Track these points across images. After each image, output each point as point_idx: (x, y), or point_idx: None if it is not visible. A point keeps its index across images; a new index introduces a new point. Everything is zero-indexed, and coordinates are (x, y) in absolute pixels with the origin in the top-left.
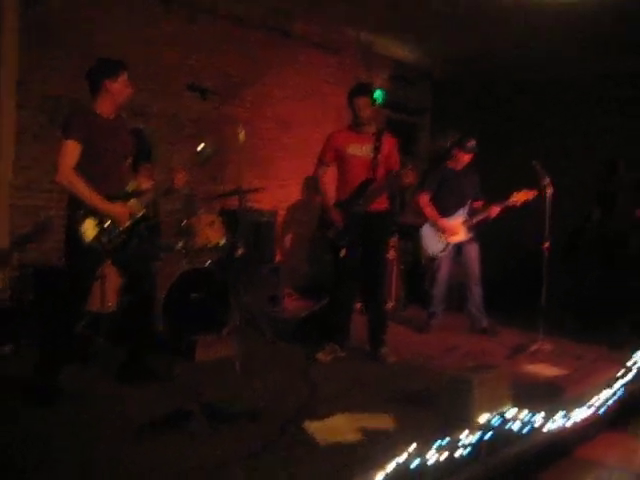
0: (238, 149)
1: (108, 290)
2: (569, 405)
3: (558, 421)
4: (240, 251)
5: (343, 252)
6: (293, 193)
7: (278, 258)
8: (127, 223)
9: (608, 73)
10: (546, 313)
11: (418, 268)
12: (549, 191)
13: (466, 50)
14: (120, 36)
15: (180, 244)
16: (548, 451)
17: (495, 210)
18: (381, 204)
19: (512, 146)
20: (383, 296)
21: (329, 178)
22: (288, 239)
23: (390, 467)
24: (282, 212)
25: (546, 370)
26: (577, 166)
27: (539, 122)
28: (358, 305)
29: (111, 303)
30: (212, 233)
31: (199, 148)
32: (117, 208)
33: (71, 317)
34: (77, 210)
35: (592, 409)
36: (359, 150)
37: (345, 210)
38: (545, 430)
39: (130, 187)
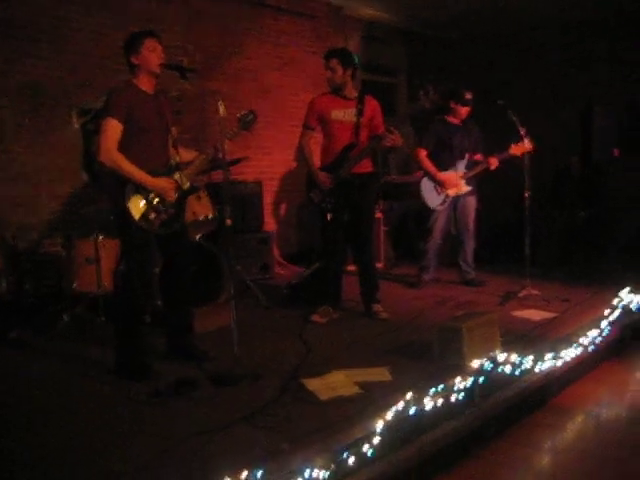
0: (219, 122)
1: (103, 271)
2: (558, 346)
3: (548, 362)
4: (229, 222)
5: (329, 216)
6: (277, 161)
7: (267, 227)
8: (174, 197)
9: (584, 20)
10: (533, 260)
11: (405, 226)
12: (526, 141)
13: (440, 5)
14: (93, 19)
15: None
16: (540, 392)
17: (494, 162)
18: (365, 167)
19: (490, 99)
20: (373, 256)
21: (313, 143)
22: (276, 208)
23: (389, 415)
24: (267, 181)
25: (535, 314)
26: (554, 113)
27: (515, 74)
28: (352, 267)
29: (107, 283)
30: (200, 207)
31: (240, 114)
32: (163, 183)
33: (139, 287)
34: (123, 189)
35: (580, 348)
36: (342, 115)
37: (330, 174)
38: (536, 371)
39: (174, 161)
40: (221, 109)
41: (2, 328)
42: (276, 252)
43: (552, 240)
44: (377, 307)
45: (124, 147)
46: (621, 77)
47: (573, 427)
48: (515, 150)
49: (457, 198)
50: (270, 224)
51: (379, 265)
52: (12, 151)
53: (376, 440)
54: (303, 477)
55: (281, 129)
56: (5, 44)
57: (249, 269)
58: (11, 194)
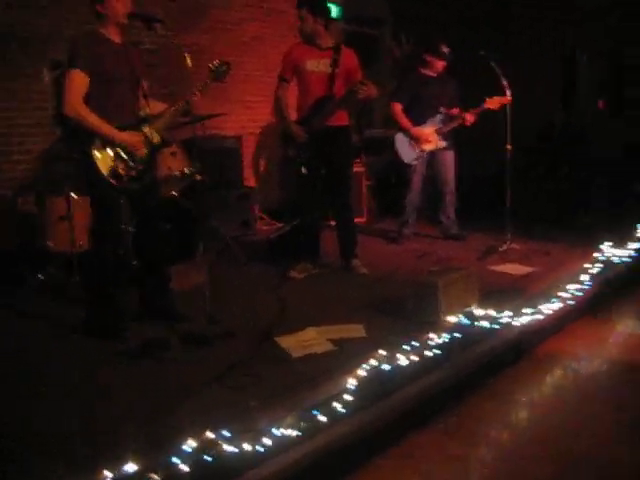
0: (187, 75)
1: (77, 229)
2: (537, 300)
3: (526, 317)
4: (198, 177)
5: (303, 169)
6: (259, 115)
7: (248, 183)
8: (144, 151)
9: None
10: (514, 215)
11: (388, 180)
12: (508, 93)
13: None
14: None
15: None
16: (517, 346)
17: (470, 117)
18: (340, 119)
19: (475, 50)
20: (350, 210)
21: (289, 95)
22: (258, 163)
23: (361, 372)
24: (249, 136)
25: (515, 269)
26: (537, 63)
27: (500, 24)
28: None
29: (82, 242)
30: (175, 163)
31: (212, 65)
32: (131, 137)
33: (111, 245)
34: (90, 143)
35: (559, 302)
36: (316, 66)
37: (304, 127)
38: (514, 326)
39: (143, 113)
40: (188, 61)
41: None
42: (258, 208)
43: (536, 194)
44: (356, 262)
45: (91, 99)
46: (605, 28)
47: (550, 381)
48: (490, 104)
49: (433, 153)
50: (252, 180)
51: (361, 220)
52: None
53: (348, 397)
54: (272, 436)
55: (263, 82)
56: None
57: (229, 226)
58: None
